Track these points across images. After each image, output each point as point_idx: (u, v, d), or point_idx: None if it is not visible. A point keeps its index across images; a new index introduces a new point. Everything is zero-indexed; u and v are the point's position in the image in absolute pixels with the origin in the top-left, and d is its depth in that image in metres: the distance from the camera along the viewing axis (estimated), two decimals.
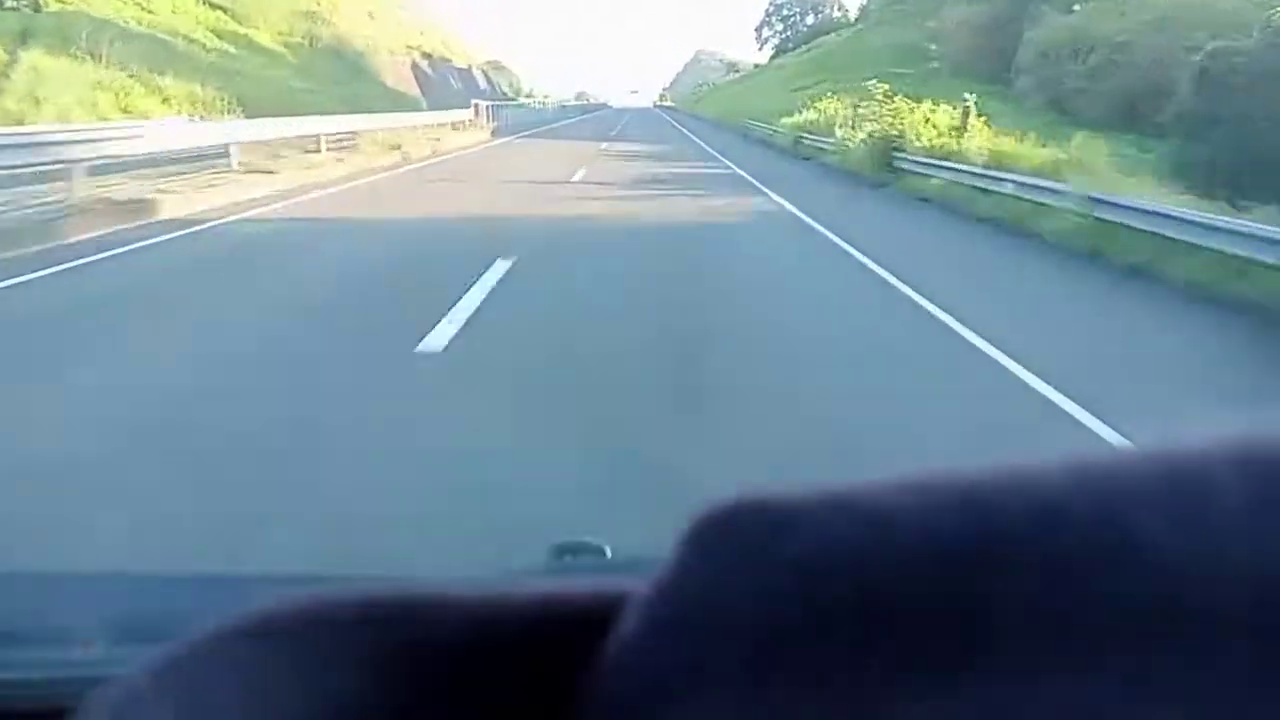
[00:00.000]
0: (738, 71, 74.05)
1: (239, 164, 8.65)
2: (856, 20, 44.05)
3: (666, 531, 0.15)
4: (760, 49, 62.40)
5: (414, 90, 33.90)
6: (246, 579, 0.94)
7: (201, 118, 12.44)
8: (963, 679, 0.12)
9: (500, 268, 3.90)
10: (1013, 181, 6.87)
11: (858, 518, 0.13)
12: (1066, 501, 0.12)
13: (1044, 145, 8.28)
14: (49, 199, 5.77)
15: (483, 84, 52.06)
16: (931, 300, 3.80)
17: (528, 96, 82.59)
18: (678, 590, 0.14)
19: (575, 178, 9.93)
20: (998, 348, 2.98)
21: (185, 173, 7.92)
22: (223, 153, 8.82)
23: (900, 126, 9.93)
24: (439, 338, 2.83)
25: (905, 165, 9.48)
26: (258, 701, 0.14)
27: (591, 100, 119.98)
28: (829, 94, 17.61)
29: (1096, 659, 0.12)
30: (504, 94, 56.21)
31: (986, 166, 7.69)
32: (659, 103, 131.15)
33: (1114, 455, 0.13)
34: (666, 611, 0.14)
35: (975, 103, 9.30)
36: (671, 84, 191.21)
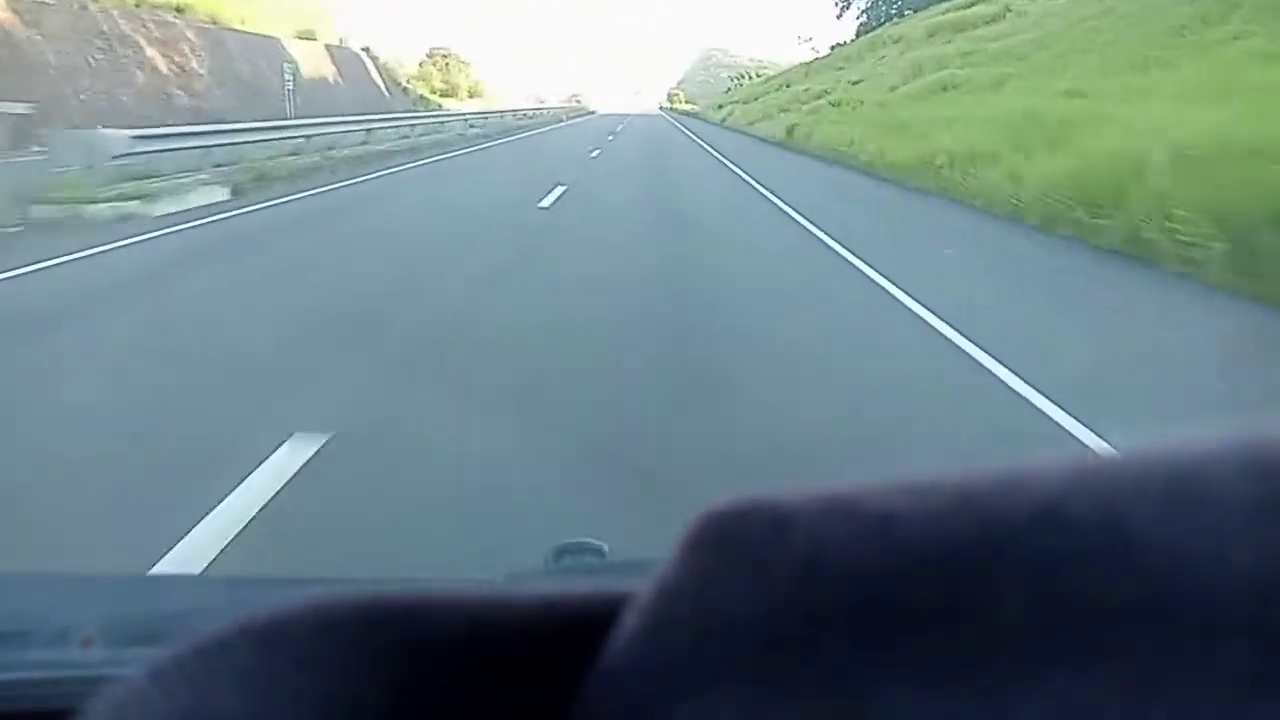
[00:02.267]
0: (813, 58, 44.72)
1: None
2: None
3: (666, 532, 0.17)
4: (839, 15, 46.91)
5: None
6: (247, 580, 1.04)
7: None
8: (963, 679, 0.14)
9: None
10: None
11: (857, 519, 0.15)
12: (1066, 502, 0.14)
13: None
14: None
15: (336, 80, 30.38)
16: None
17: (471, 97, 61.19)
18: (678, 591, 0.16)
19: None
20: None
21: None
22: None
23: None
24: None
25: None
26: (259, 703, 0.16)
27: (578, 104, 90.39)
28: None
29: (1096, 659, 0.13)
30: (400, 95, 39.86)
31: None
32: (668, 106, 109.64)
33: (1114, 456, 0.14)
34: (667, 612, 0.16)
35: None
36: (679, 83, 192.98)
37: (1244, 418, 0.15)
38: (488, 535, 2.02)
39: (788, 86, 34.65)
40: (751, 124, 28.47)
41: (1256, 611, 0.13)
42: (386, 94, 38.06)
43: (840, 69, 30.22)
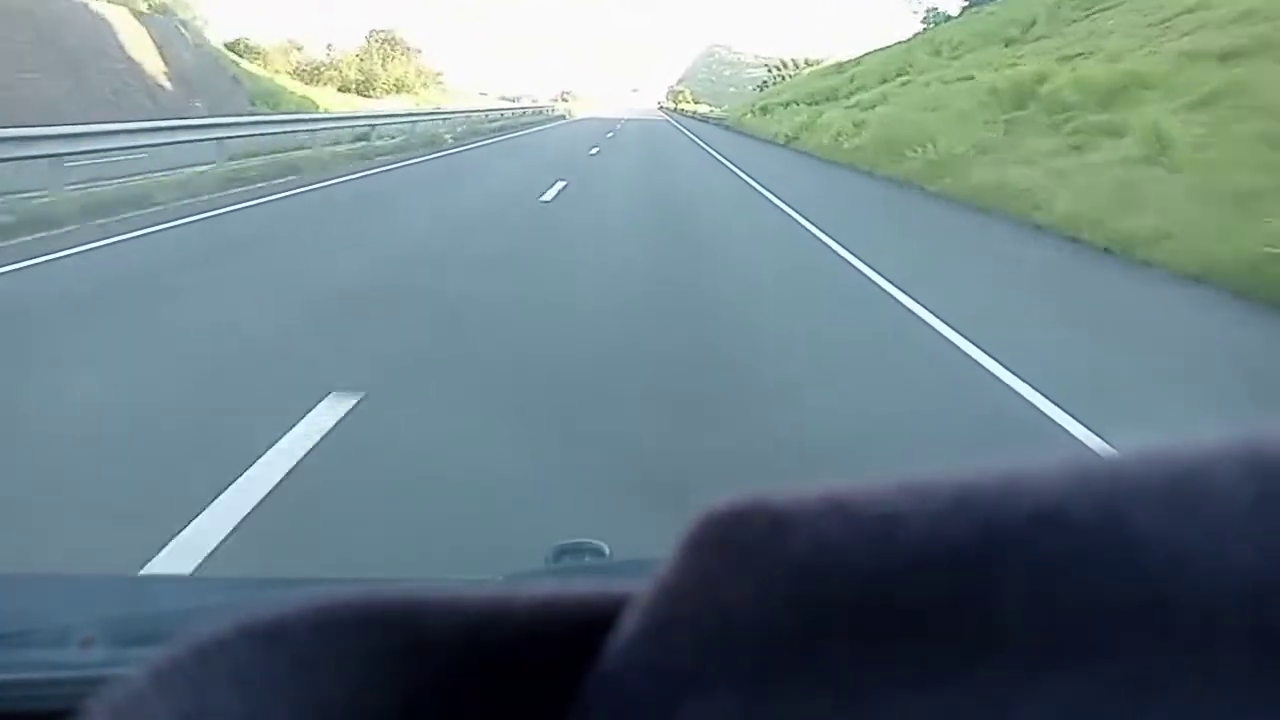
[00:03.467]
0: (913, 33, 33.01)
1: None
2: None
3: (666, 532, 0.20)
4: None
5: None
6: (248, 581, 1.17)
7: None
8: (962, 679, 0.16)
9: None
10: None
11: (857, 519, 0.18)
12: (1067, 502, 0.17)
13: None
14: None
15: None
16: None
17: (400, 91, 52.22)
18: (678, 591, 0.19)
19: None
20: None
21: None
22: None
23: None
24: None
25: None
26: (259, 703, 0.19)
27: (549, 102, 71.62)
28: None
29: (1096, 660, 0.16)
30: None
31: None
32: (671, 106, 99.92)
33: (1115, 457, 0.17)
34: (667, 613, 0.19)
35: None
36: (681, 81, 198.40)
37: (1244, 418, 0.17)
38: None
39: (903, 76, 22.25)
40: (940, 174, 11.85)
41: (1256, 611, 0.15)
42: (166, 86, 25.65)
43: (1016, 42, 18.81)
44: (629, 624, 0.20)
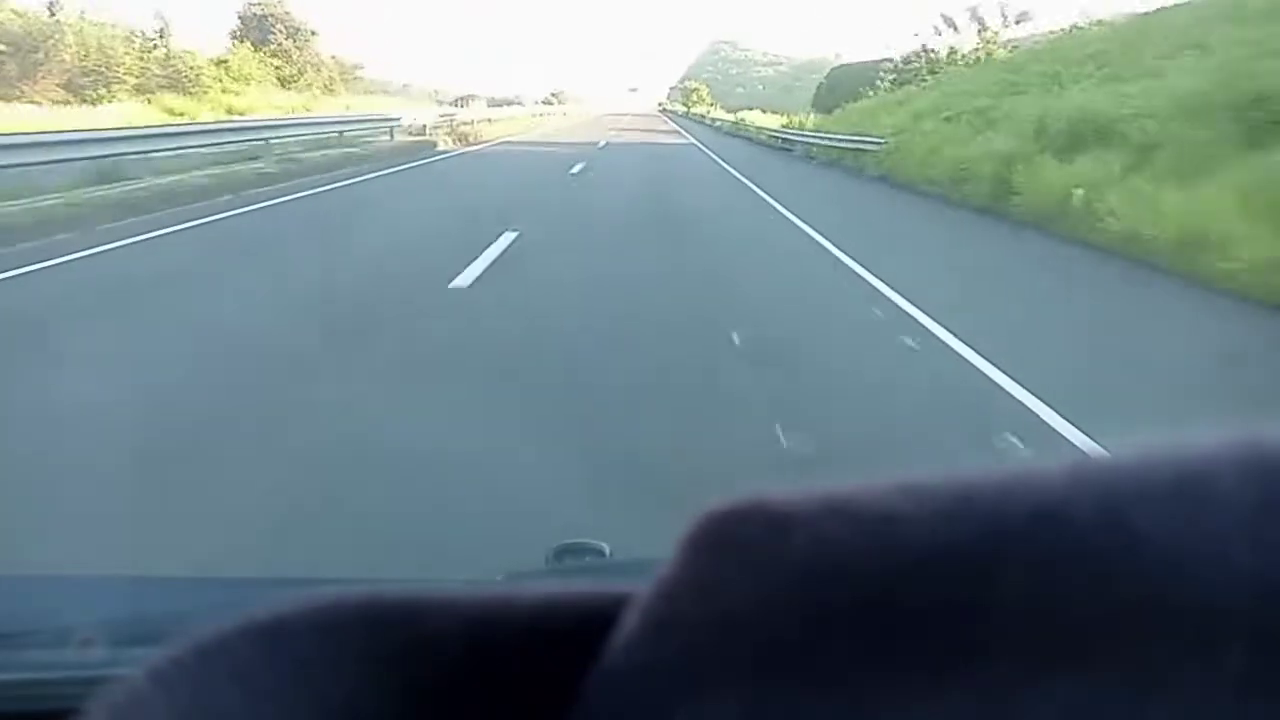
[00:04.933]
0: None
1: None
2: None
3: (666, 532, 0.20)
4: None
5: None
6: (248, 581, 1.19)
7: None
8: (963, 680, 0.17)
9: None
10: None
11: (857, 519, 0.18)
12: (1067, 503, 0.17)
13: None
14: None
15: None
16: None
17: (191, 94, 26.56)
18: (678, 592, 0.19)
19: None
20: None
21: None
22: None
23: None
24: None
25: None
26: (260, 703, 0.19)
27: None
28: None
29: (1096, 659, 0.16)
30: None
31: None
32: (684, 110, 79.68)
33: (1114, 457, 0.18)
34: (667, 613, 0.19)
35: None
36: (683, 78, 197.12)
37: (1244, 418, 0.18)
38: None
39: None
40: None
41: (1256, 612, 0.16)
42: None
43: None
44: (629, 624, 0.20)
